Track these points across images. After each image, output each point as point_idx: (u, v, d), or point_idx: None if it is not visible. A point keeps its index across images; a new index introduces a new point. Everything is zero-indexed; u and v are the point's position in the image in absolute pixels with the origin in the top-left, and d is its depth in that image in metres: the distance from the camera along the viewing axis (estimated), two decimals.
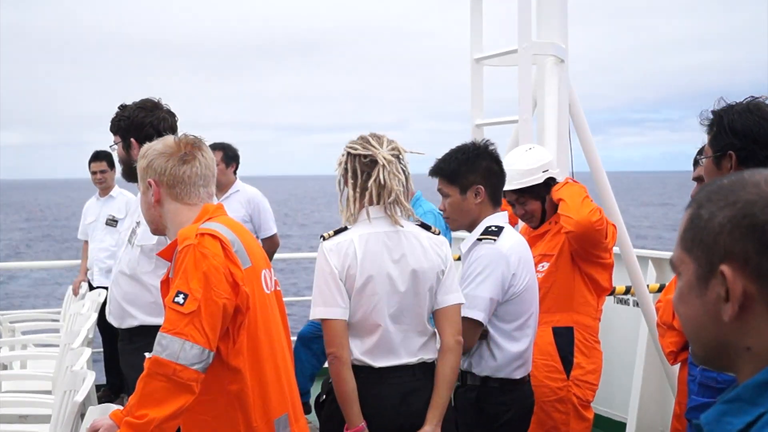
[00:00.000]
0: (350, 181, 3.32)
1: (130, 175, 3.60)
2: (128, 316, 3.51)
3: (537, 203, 3.83)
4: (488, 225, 3.09)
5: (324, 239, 3.36)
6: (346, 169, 3.37)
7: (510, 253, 3.04)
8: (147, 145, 2.61)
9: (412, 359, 3.26)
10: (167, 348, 2.30)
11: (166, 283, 2.51)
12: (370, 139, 3.38)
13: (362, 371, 3.29)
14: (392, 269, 3.23)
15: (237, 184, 6.04)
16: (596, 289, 3.81)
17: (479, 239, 3.06)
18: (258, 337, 2.47)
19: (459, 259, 6.24)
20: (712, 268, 1.10)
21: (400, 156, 3.35)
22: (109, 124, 3.68)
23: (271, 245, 6.01)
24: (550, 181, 3.84)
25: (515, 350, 3.12)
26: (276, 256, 6.49)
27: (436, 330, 3.13)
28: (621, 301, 5.73)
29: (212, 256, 2.37)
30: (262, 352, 2.48)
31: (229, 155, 6.01)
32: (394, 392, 3.23)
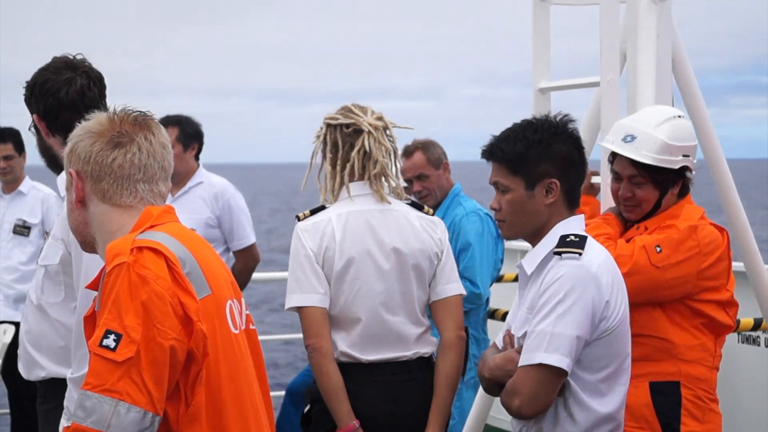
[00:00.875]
0: (329, 155, 3.87)
1: (54, 165, 3.65)
2: (35, 365, 3.50)
3: (655, 192, 3.88)
4: (565, 234, 3.17)
5: (299, 219, 3.86)
6: (325, 142, 3.92)
7: (601, 273, 3.11)
8: (81, 124, 2.66)
9: (406, 353, 3.80)
10: (93, 413, 2.31)
11: (90, 320, 2.53)
12: (353, 108, 3.93)
13: (350, 368, 3.77)
14: (376, 251, 3.78)
15: (200, 174, 6.07)
16: (711, 327, 3.82)
17: (557, 253, 3.13)
18: (221, 396, 2.49)
19: (515, 279, 6.30)
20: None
21: (387, 129, 3.91)
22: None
23: (247, 260, 6.03)
24: (684, 172, 3.90)
25: (604, 411, 3.18)
26: (257, 276, 6.51)
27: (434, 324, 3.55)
28: (748, 340, 5.71)
29: (154, 279, 2.42)
30: (227, 418, 2.50)
31: (187, 133, 6.04)
32: (387, 390, 3.74)
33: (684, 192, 3.93)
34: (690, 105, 4.75)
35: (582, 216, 3.31)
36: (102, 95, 3.61)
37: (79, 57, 3.62)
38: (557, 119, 3.28)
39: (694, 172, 3.94)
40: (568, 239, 3.15)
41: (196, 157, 6.11)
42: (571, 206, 3.27)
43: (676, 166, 3.84)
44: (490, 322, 5.92)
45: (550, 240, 3.20)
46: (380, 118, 3.91)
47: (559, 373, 3.06)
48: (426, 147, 5.78)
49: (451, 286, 3.92)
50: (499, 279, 6.37)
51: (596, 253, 3.16)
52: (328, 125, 3.90)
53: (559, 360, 3.04)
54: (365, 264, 3.78)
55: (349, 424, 3.67)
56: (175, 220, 2.64)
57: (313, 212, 3.84)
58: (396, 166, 3.96)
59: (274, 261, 27.35)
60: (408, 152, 5.74)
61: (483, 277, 5.55)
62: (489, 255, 5.59)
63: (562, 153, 3.23)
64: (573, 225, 3.24)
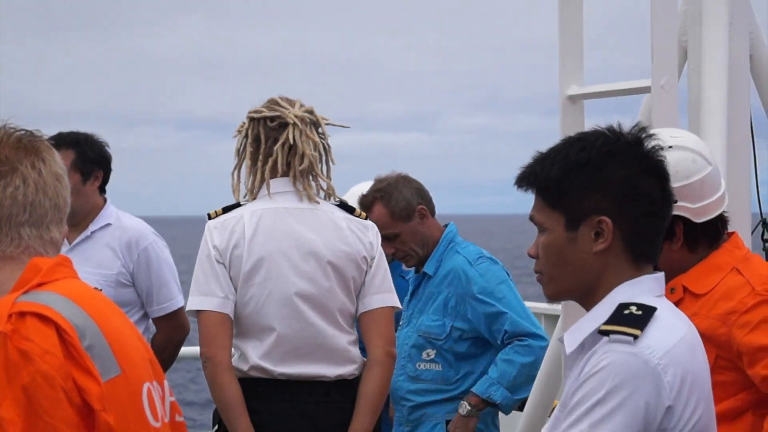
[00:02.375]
0: (249, 149, 4.27)
1: None
2: None
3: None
4: (626, 302, 2.95)
5: (210, 218, 4.24)
6: (246, 136, 4.30)
7: (665, 365, 2.91)
8: None
9: (327, 372, 4.16)
10: None
11: None
12: (279, 100, 4.32)
13: (259, 384, 4.13)
14: (293, 251, 4.14)
15: (107, 214, 5.80)
16: None
17: (603, 332, 2.92)
18: None
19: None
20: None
21: (319, 125, 4.26)
22: None
23: (172, 330, 5.79)
24: (695, 221, 3.85)
25: None
26: (187, 350, 6.57)
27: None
28: None
29: (40, 355, 2.37)
30: None
31: (88, 157, 5.74)
32: (298, 411, 4.11)
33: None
34: None
35: (661, 275, 3.06)
36: None
37: None
38: (622, 132, 3.04)
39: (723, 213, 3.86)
40: (626, 311, 2.95)
41: (101, 190, 5.81)
42: (640, 258, 3.02)
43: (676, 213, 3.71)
44: None
45: (604, 308, 2.99)
46: (310, 112, 4.27)
47: None
48: (386, 196, 5.54)
49: (380, 297, 4.25)
50: None
51: (665, 333, 2.95)
52: (251, 119, 4.27)
53: None
54: (278, 265, 4.10)
55: None
56: (73, 275, 2.59)
57: (226, 210, 4.21)
58: (328, 165, 4.31)
59: None
60: (365, 205, 5.54)
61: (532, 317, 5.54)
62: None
63: (618, 180, 2.98)
64: (644, 288, 3.00)
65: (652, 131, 3.09)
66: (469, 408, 5.26)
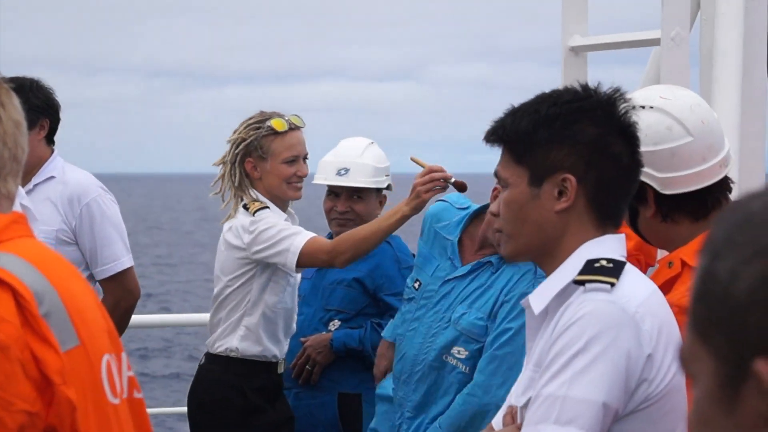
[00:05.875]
0: None
1: None
2: None
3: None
4: (594, 257, 3.02)
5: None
6: None
7: (643, 314, 2.98)
8: None
9: None
10: None
11: None
12: None
13: None
14: None
15: (52, 166, 5.71)
16: None
17: (578, 282, 2.98)
18: None
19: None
20: (742, 366, 1.19)
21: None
22: None
23: (119, 294, 5.69)
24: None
25: None
26: (142, 318, 6.61)
27: None
28: None
29: None
30: None
31: (32, 104, 5.60)
32: None
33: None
34: None
35: (622, 236, 3.11)
36: None
37: None
38: (599, 89, 3.07)
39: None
40: (596, 264, 3.00)
41: (48, 140, 5.69)
42: (603, 220, 3.07)
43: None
44: None
45: (570, 266, 3.03)
46: None
47: None
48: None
49: None
50: None
51: (638, 285, 3.03)
52: None
53: None
54: None
55: None
56: (29, 234, 2.58)
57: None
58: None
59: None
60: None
61: None
62: None
63: (587, 138, 3.02)
64: (607, 246, 3.04)
65: (626, 93, 3.12)
66: None
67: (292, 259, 4.88)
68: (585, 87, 3.10)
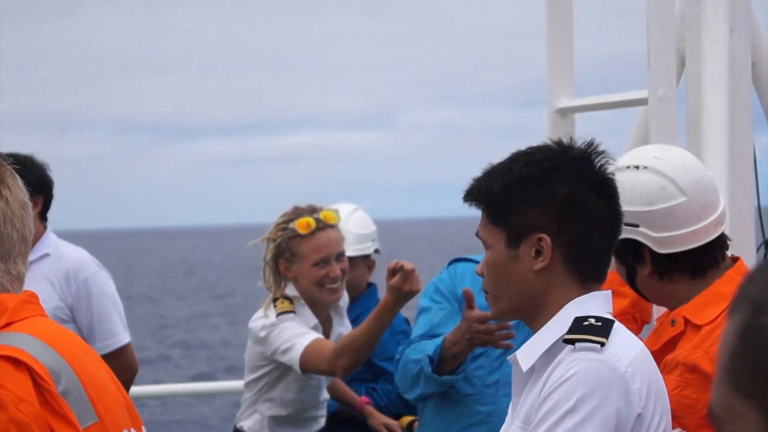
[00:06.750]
0: None
1: None
2: None
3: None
4: (582, 315, 3.03)
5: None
6: None
7: (632, 373, 2.99)
8: None
9: None
10: None
11: None
12: None
13: None
14: None
15: (46, 243, 5.70)
16: None
17: (568, 341, 2.99)
18: None
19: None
20: None
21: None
22: None
23: (119, 371, 5.66)
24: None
25: None
26: (138, 390, 6.57)
27: None
28: None
29: (14, 403, 2.36)
30: None
31: (28, 181, 5.60)
32: None
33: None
34: None
35: (608, 293, 3.10)
36: None
37: None
38: (572, 145, 3.09)
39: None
40: (585, 323, 3.00)
41: (42, 217, 5.66)
42: (585, 276, 3.07)
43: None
44: None
45: (557, 324, 3.03)
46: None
47: None
48: None
49: None
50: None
51: (627, 344, 3.01)
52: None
53: None
54: None
55: None
56: (41, 313, 2.57)
57: None
58: None
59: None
60: None
61: None
62: None
63: (559, 196, 3.02)
64: (594, 304, 3.05)
65: (600, 146, 3.09)
66: None
67: (296, 360, 4.82)
68: (559, 143, 3.10)
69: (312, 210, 4.94)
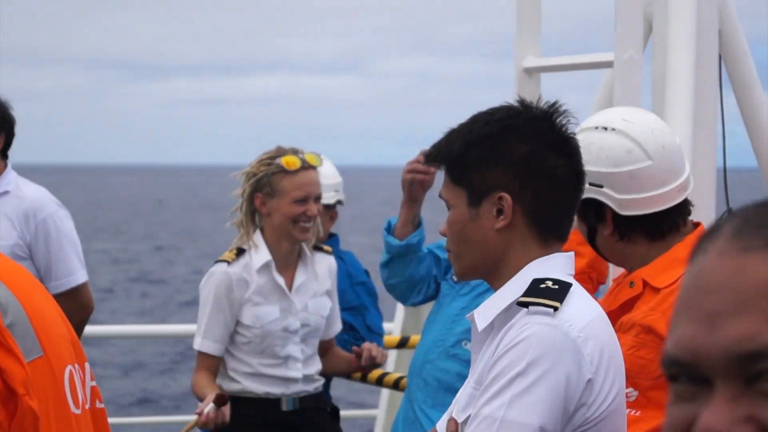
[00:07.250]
0: None
1: None
2: None
3: None
4: (541, 277, 3.05)
5: None
6: None
7: (585, 339, 2.99)
8: None
9: None
10: None
11: None
12: None
13: None
14: None
15: (6, 180, 5.71)
16: None
17: (522, 304, 3.00)
18: None
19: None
20: None
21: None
22: None
23: (73, 309, 5.58)
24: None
25: None
26: (89, 329, 6.57)
27: None
28: None
29: None
30: None
31: None
32: None
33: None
34: (741, 89, 4.85)
35: (571, 254, 3.13)
36: None
37: None
38: (532, 104, 3.11)
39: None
40: (542, 285, 3.02)
41: (2, 155, 5.69)
42: (546, 235, 3.09)
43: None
44: None
45: (516, 284, 3.05)
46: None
47: None
48: None
49: None
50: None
51: (582, 308, 3.02)
52: None
53: None
54: None
55: None
56: None
57: None
58: None
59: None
60: None
61: None
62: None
63: (519, 155, 3.05)
64: (555, 266, 3.07)
65: (562, 107, 3.11)
66: None
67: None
68: (522, 102, 3.13)
69: (295, 151, 5.08)
